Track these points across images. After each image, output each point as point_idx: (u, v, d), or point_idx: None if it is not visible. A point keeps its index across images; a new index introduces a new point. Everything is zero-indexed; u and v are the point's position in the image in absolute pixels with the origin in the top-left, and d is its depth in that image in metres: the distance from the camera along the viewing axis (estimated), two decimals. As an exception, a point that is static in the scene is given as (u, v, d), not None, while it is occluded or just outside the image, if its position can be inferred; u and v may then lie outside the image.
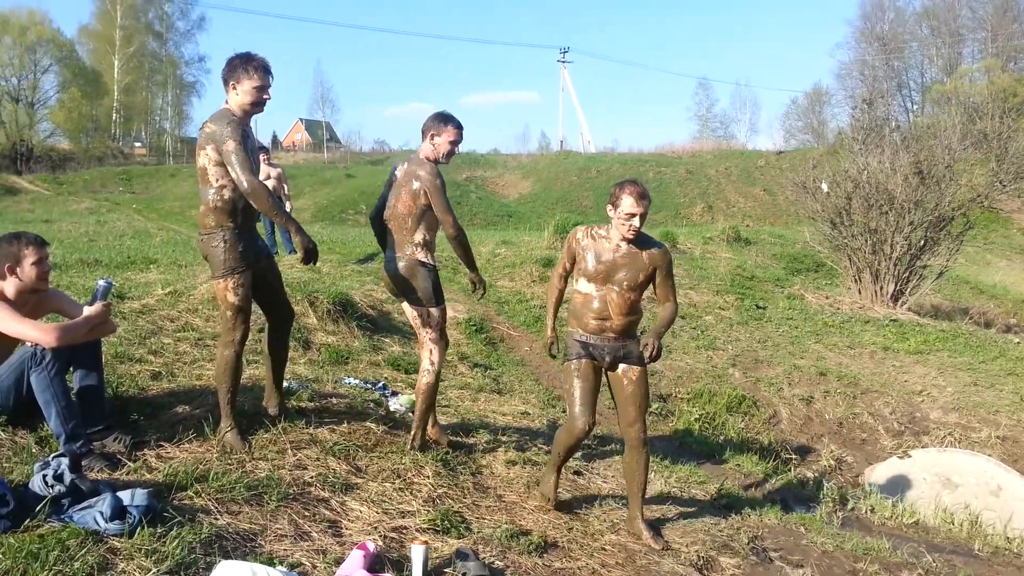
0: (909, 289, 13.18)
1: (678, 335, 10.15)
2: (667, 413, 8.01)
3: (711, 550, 3.99)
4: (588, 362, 3.87)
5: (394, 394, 5.49)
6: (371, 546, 3.02)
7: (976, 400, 8.87)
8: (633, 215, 3.68)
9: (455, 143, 4.13)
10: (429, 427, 4.49)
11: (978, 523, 5.45)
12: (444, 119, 4.13)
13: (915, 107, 50.27)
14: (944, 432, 8.14)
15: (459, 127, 4.13)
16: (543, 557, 3.50)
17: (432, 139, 4.11)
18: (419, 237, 4.13)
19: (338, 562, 2.96)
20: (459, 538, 3.45)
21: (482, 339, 8.84)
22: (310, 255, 3.73)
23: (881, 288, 13.08)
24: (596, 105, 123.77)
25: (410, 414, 5.11)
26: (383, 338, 7.45)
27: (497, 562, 3.32)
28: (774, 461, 7.17)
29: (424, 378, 4.25)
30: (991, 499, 6.32)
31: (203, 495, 3.24)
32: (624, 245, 3.81)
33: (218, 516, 3.12)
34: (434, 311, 4.19)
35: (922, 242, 13.07)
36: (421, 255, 4.14)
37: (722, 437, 7.64)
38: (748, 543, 4.16)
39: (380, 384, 5.67)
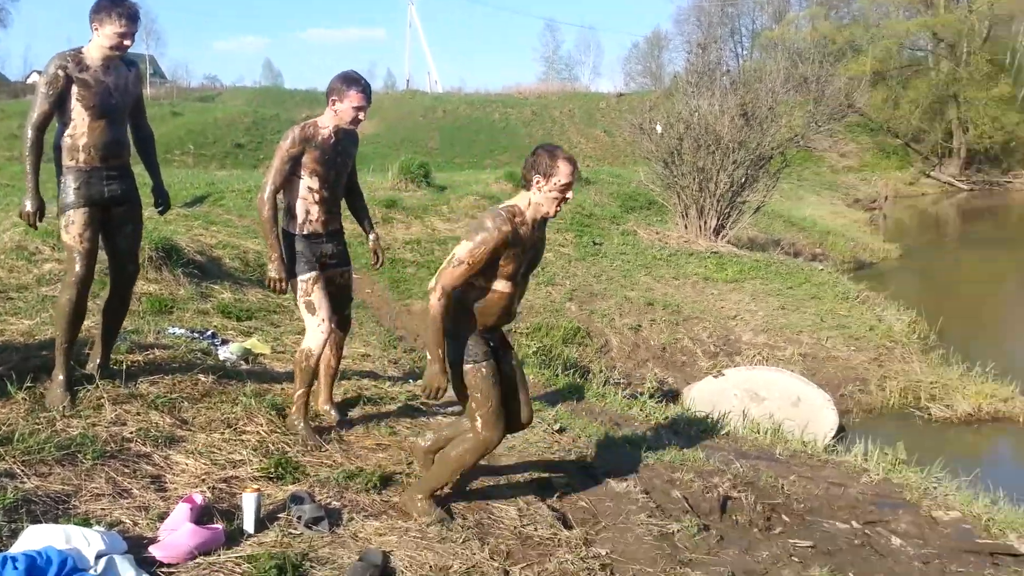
0: (729, 223, 14.17)
1: (517, 272, 10.41)
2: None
3: (544, 472, 4.20)
4: (494, 364, 3.27)
5: (224, 342, 5.30)
6: (198, 498, 2.95)
7: (783, 322, 9.78)
8: (570, 185, 3.11)
9: (360, 109, 3.66)
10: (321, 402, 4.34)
11: (780, 431, 6.06)
12: (348, 80, 3.63)
13: (745, 53, 53.02)
14: (754, 352, 8.95)
15: (365, 90, 3.66)
16: (381, 493, 3.54)
17: (333, 104, 3.65)
18: (282, 204, 3.85)
19: (162, 517, 2.88)
20: (294, 483, 3.44)
21: (320, 283, 8.66)
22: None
23: (705, 223, 13.97)
24: (444, 44, 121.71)
25: (242, 362, 4.98)
26: (212, 285, 7.13)
27: (334, 502, 3.33)
28: (605, 386, 7.60)
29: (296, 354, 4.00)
30: (792, 409, 7.06)
31: (7, 458, 3.03)
32: (537, 225, 3.23)
33: (25, 479, 2.93)
34: (296, 280, 3.84)
35: (743, 179, 14.00)
36: (283, 223, 3.86)
37: (559, 368, 7.98)
38: (577, 461, 4.43)
39: (209, 333, 5.45)
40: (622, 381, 7.88)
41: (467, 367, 3.16)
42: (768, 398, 7.26)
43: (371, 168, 15.14)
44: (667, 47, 56.95)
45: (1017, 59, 38.23)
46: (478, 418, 3.17)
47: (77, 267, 3.66)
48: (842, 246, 17.32)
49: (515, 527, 3.42)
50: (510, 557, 3.16)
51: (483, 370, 3.17)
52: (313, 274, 3.83)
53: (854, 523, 4.18)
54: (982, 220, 26.66)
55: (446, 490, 3.53)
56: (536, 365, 7.86)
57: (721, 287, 11.16)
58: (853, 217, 24.24)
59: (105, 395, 3.80)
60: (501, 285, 3.16)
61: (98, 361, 4.06)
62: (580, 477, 4.27)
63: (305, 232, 3.83)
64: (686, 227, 14.15)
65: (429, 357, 3.13)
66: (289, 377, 4.81)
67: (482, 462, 3.67)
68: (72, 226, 3.65)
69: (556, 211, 3.15)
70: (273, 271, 3.80)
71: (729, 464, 4.78)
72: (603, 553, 3.29)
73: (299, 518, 3.07)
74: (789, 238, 16.82)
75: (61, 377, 3.70)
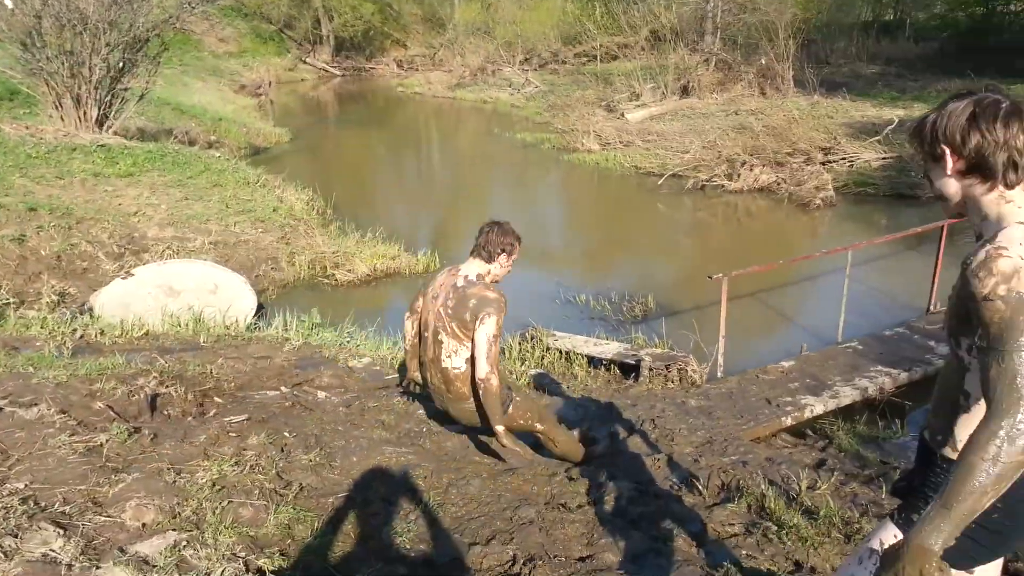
0: (113, 113, 12.93)
1: None
2: None
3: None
4: None
5: None
6: None
7: (188, 213, 9.53)
8: None
9: None
10: None
11: (201, 320, 6.02)
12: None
13: None
14: (163, 247, 8.56)
15: None
16: None
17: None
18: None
19: None
20: None
21: None
22: None
23: (85, 114, 12.47)
24: None
25: None
26: None
27: None
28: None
29: None
30: (211, 297, 7.04)
31: None
32: None
33: None
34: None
35: (121, 64, 12.77)
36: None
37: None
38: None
39: None
40: (11, 301, 6.78)
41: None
42: (185, 290, 7.09)
43: None
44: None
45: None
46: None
47: None
48: (236, 132, 17.40)
49: None
50: None
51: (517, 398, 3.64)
52: None
53: (283, 388, 4.47)
54: (355, 103, 29.61)
55: None
56: None
57: (116, 183, 10.24)
58: (242, 103, 24.43)
59: None
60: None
61: None
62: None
63: None
64: (63, 119, 12.43)
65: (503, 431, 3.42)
66: None
67: None
68: None
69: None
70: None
71: (153, 363, 4.60)
72: (22, 487, 2.88)
73: None
74: (182, 126, 16.16)
75: None
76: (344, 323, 6.06)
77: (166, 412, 3.98)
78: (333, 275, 8.54)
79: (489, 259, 3.39)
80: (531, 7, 33.03)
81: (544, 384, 5.08)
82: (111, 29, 12.31)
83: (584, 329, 6.58)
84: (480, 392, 3.27)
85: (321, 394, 4.42)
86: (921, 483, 1.46)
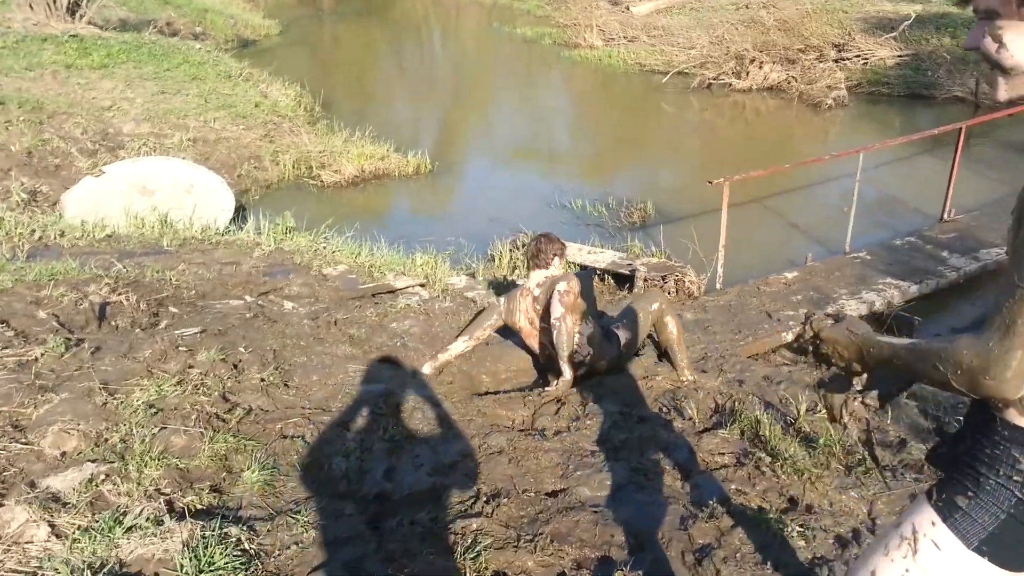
0: (86, 2, 12.14)
1: None
2: None
3: None
4: None
5: None
6: None
7: (166, 108, 9.02)
8: None
9: None
10: None
11: (168, 222, 5.67)
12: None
13: None
14: (139, 143, 8.12)
15: None
16: None
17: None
18: None
19: None
20: None
21: None
22: None
23: (55, 1, 11.72)
24: None
25: None
26: None
27: None
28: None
29: None
30: (186, 197, 6.65)
31: None
32: None
33: None
34: None
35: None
36: None
37: None
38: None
39: None
40: (-23, 199, 6.42)
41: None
42: (158, 189, 6.70)
43: None
44: None
45: None
46: None
47: None
48: (222, 24, 16.52)
49: None
50: None
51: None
52: None
53: (247, 297, 4.16)
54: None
55: None
56: None
57: (89, 75, 9.68)
58: (232, -7, 23.25)
59: None
60: None
61: None
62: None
63: None
64: (32, 7, 11.70)
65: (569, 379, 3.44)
66: None
67: None
68: None
69: None
70: None
71: (109, 268, 4.27)
72: (-65, 409, 2.61)
73: None
74: (165, 17, 15.33)
75: None
76: (321, 227, 5.70)
77: (115, 323, 3.69)
78: (319, 176, 8.13)
79: (546, 266, 3.70)
80: None
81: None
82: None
83: (579, 236, 6.21)
84: (553, 333, 3.47)
85: (288, 304, 4.11)
86: (969, 454, 1.12)
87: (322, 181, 8.08)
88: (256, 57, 13.65)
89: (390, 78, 14.96)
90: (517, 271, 5.29)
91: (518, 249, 5.61)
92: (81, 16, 11.93)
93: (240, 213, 6.92)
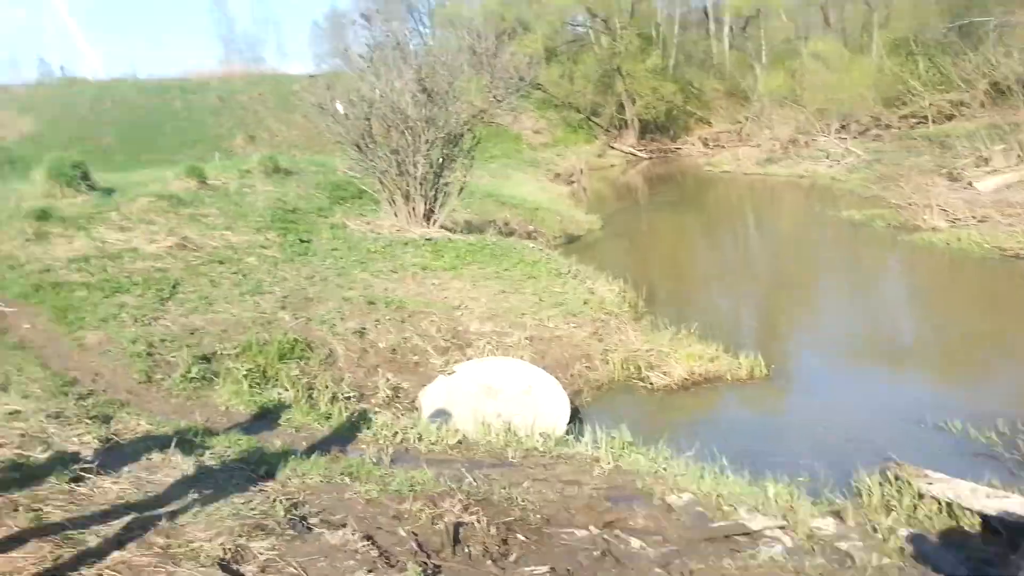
0: (438, 207, 13.81)
1: (218, 284, 9.22)
2: (212, 376, 7.12)
3: (239, 537, 3.43)
4: None
5: None
6: None
7: (506, 306, 9.67)
8: None
9: None
10: None
11: (511, 429, 5.79)
12: None
13: (427, 30, 52.78)
14: (484, 341, 8.66)
15: None
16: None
17: None
18: None
19: None
20: None
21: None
22: None
23: (414, 209, 13.46)
24: (104, 26, 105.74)
25: None
26: None
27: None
28: (333, 403, 6.86)
29: None
30: (526, 399, 6.83)
31: None
32: None
33: None
34: None
35: (441, 160, 13.65)
36: None
37: (276, 391, 7.05)
38: (285, 515, 3.71)
39: None
40: (352, 395, 7.17)
41: None
42: (502, 390, 6.98)
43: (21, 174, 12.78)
44: (351, 24, 55.11)
45: (661, 31, 41.92)
46: None
47: None
48: (551, 221, 17.97)
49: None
50: None
51: None
52: None
53: (592, 528, 3.94)
54: (664, 184, 29.49)
55: None
56: (248, 390, 6.89)
57: (441, 275, 10.83)
58: (556, 191, 25.50)
59: None
60: None
61: None
62: (289, 533, 3.56)
63: None
64: (396, 214, 13.59)
65: None
66: None
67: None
68: None
69: None
70: None
71: (461, 481, 4.36)
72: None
73: None
74: (503, 217, 17.07)
75: None
76: (659, 443, 5.41)
77: (467, 548, 3.65)
78: (648, 377, 7.98)
79: None
80: (842, 69, 30.05)
81: (926, 554, 3.93)
82: (429, 127, 13.24)
83: (966, 469, 5.14)
84: None
85: (635, 543, 3.81)
86: None
87: (651, 383, 7.90)
88: (581, 252, 14.45)
89: (710, 267, 14.90)
90: (892, 514, 4.47)
91: (890, 484, 4.79)
92: (435, 221, 13.60)
93: (575, 414, 6.91)
